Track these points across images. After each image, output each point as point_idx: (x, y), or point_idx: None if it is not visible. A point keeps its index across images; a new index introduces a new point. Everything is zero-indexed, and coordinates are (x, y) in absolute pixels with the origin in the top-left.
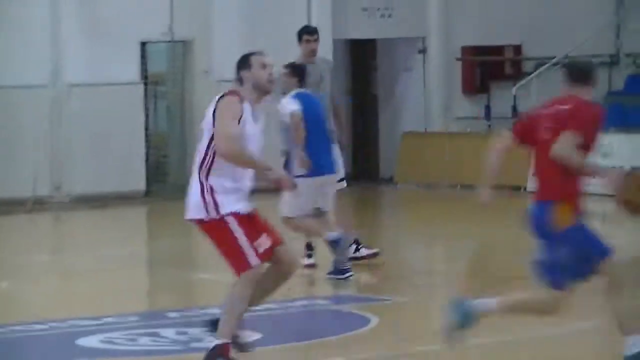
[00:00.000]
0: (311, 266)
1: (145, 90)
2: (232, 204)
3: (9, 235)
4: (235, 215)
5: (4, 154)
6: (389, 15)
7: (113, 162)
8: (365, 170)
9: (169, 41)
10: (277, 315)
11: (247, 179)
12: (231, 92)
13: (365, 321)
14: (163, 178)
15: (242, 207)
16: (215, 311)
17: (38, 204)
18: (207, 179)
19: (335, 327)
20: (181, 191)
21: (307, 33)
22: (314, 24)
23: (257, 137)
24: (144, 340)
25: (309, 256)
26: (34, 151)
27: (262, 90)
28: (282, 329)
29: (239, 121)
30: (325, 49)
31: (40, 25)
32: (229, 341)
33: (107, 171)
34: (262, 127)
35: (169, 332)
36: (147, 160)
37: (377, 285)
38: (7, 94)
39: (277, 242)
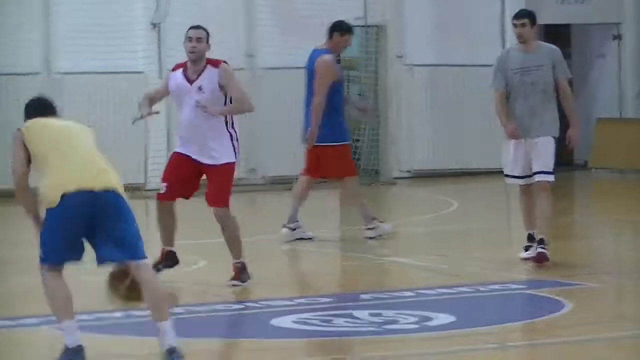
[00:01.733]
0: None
1: None
2: None
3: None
4: None
5: None
6: (583, 1)
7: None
8: (559, 155)
9: (363, 26)
10: (471, 298)
11: None
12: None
13: (559, 306)
14: (356, 162)
15: None
16: (406, 293)
17: (233, 186)
18: (233, 129)
19: (529, 311)
20: (374, 175)
21: (514, 17)
22: (507, 9)
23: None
24: (339, 321)
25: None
26: None
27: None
28: (476, 312)
29: None
30: None
31: (232, 12)
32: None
33: (302, 155)
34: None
35: (363, 314)
36: None
37: (569, 271)
38: None
39: None
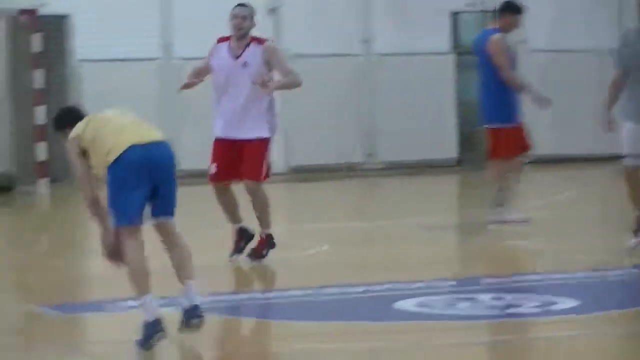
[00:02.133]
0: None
1: (456, 60)
2: None
3: (324, 202)
4: None
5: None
6: None
7: (424, 131)
8: None
9: (480, 11)
10: (594, 283)
11: None
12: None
13: None
14: (473, 148)
15: None
16: (529, 277)
17: (351, 171)
18: (272, 106)
19: None
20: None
21: None
22: None
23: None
24: (463, 305)
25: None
26: (348, 119)
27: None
28: (599, 296)
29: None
30: None
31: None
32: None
33: (419, 140)
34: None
35: (486, 297)
36: (458, 130)
37: None
38: (318, 62)
39: None
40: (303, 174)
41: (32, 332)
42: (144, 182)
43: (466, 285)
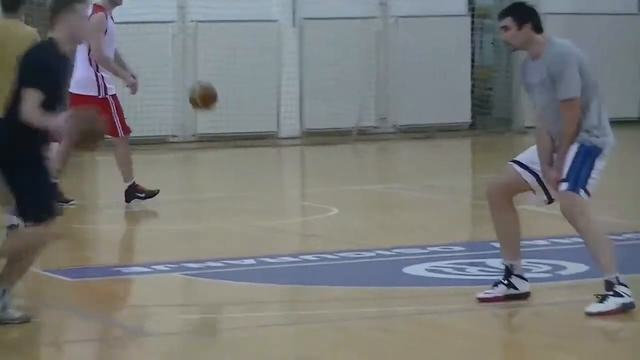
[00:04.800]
0: None
1: (472, 23)
2: None
3: (337, 166)
4: None
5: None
6: None
7: (438, 94)
8: None
9: None
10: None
11: None
12: None
13: None
14: (488, 111)
15: None
16: (539, 242)
17: (363, 135)
18: None
19: None
20: (506, 124)
21: None
22: None
23: None
24: (472, 269)
25: None
26: (360, 83)
27: None
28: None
29: None
30: None
31: None
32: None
33: (432, 103)
34: None
35: (496, 262)
36: (472, 93)
37: None
38: (335, 25)
39: None
40: (316, 137)
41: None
42: None
43: (476, 249)
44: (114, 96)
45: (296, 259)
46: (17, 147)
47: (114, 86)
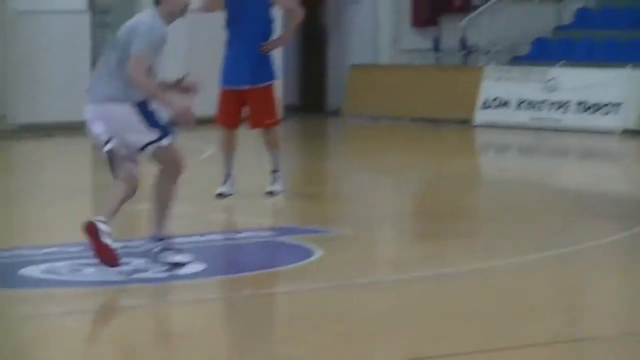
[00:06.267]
0: None
1: (94, 19)
2: None
3: None
4: None
5: None
6: None
7: (58, 92)
8: (312, 101)
9: None
10: (221, 246)
11: None
12: None
13: (309, 253)
14: None
15: None
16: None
17: None
18: None
19: (279, 259)
20: None
21: None
22: None
23: None
24: (88, 270)
25: None
26: None
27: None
28: (226, 260)
29: None
30: None
31: None
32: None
33: (51, 100)
34: None
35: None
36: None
37: (321, 218)
38: None
39: None
40: None
41: None
42: None
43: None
44: None
45: None
46: None
47: None
